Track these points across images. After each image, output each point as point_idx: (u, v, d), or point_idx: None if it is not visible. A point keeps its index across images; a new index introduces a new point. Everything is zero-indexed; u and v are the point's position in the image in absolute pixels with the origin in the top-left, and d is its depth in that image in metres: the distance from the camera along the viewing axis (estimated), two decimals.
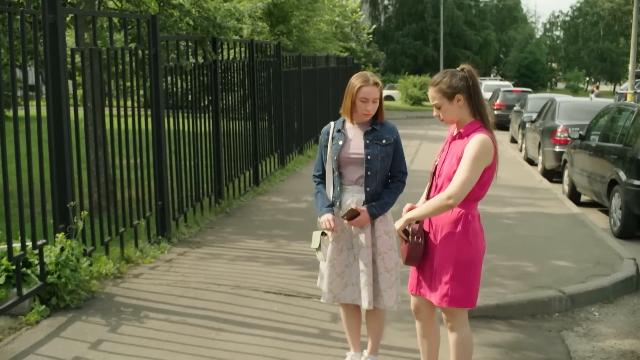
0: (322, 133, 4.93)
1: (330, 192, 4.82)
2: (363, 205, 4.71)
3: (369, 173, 4.69)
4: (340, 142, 4.77)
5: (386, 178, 4.77)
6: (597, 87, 33.64)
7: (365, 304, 4.72)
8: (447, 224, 4.26)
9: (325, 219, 4.74)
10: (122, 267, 7.16)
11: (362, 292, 4.73)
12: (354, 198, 4.74)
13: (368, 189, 4.70)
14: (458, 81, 4.23)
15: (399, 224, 4.39)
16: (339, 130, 4.82)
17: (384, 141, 4.70)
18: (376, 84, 4.71)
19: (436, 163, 4.44)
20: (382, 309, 4.84)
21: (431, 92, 4.31)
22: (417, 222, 4.40)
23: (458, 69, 4.32)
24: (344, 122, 4.86)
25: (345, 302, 4.87)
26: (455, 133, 4.36)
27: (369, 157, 4.68)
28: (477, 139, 4.16)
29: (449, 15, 63.64)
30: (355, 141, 4.75)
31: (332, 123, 4.90)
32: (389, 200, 4.73)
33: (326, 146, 4.84)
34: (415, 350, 5.43)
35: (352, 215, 4.64)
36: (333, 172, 4.79)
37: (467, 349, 4.42)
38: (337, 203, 4.78)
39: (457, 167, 4.19)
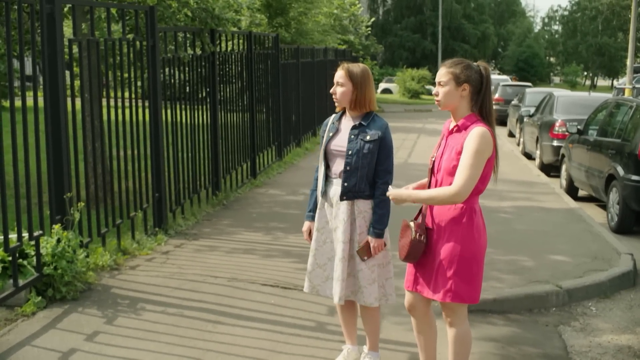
0: (322, 124, 4.97)
1: (320, 182, 4.85)
2: (341, 199, 4.70)
3: (347, 168, 4.68)
4: (331, 134, 4.81)
5: (371, 175, 4.70)
6: (515, 79, 34.06)
7: (335, 298, 4.73)
8: (451, 220, 4.22)
9: (303, 229, 5.00)
10: (119, 259, 7.14)
11: (335, 286, 4.74)
12: (337, 191, 4.75)
13: (345, 184, 4.69)
14: (473, 73, 4.22)
15: (396, 191, 4.34)
16: (334, 123, 4.85)
17: (368, 137, 4.66)
18: (343, 67, 4.74)
19: (433, 159, 4.39)
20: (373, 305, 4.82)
21: (443, 70, 4.28)
22: (420, 219, 4.37)
23: (475, 63, 4.30)
24: (341, 115, 4.87)
25: (325, 295, 4.90)
26: (451, 127, 4.32)
27: (349, 152, 4.68)
28: (477, 133, 4.13)
29: (447, 9, 63.54)
30: (342, 134, 4.77)
31: (333, 115, 4.93)
32: (382, 212, 4.67)
33: (324, 137, 4.87)
34: (413, 344, 5.42)
35: (367, 249, 4.68)
36: (323, 162, 4.82)
37: (466, 345, 4.40)
38: (323, 193, 4.82)
39: (456, 162, 4.15)
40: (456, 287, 4.20)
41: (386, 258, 4.78)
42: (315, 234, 4.88)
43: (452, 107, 4.26)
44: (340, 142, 4.74)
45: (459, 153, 4.15)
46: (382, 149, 4.70)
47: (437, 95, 4.32)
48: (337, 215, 4.75)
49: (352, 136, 4.70)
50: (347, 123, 4.79)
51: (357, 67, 4.77)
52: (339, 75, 4.75)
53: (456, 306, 4.31)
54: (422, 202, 4.30)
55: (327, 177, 4.82)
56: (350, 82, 4.70)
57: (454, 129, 4.28)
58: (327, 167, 4.83)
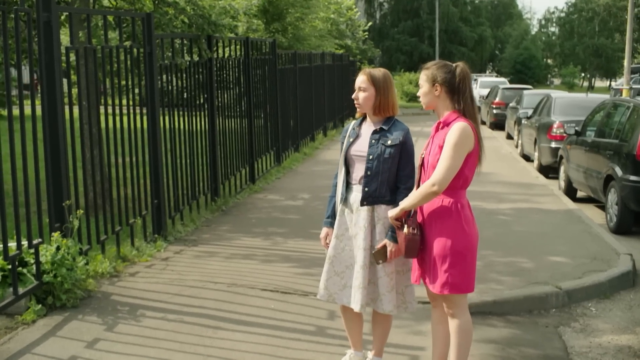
0: (342, 130, 4.95)
1: (339, 188, 4.82)
2: (362, 205, 4.68)
3: (368, 173, 4.65)
4: (351, 140, 4.78)
5: (392, 180, 4.67)
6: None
7: (357, 307, 4.67)
8: (440, 215, 4.38)
9: (321, 236, 4.92)
10: (119, 266, 7.14)
11: (355, 294, 4.69)
12: (357, 197, 4.72)
13: (366, 189, 4.66)
14: (444, 74, 4.42)
15: (392, 212, 4.49)
16: (354, 128, 4.83)
17: (389, 142, 4.63)
18: (365, 72, 4.73)
19: (423, 156, 4.56)
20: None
21: (420, 72, 4.53)
22: (411, 215, 4.48)
23: (453, 64, 4.48)
24: (362, 120, 4.85)
25: (342, 303, 4.82)
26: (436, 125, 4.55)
27: (370, 156, 4.65)
28: (456, 127, 4.33)
29: (444, 12, 63.49)
30: (363, 139, 4.74)
31: (353, 121, 4.92)
32: None
33: (343, 143, 4.85)
34: (413, 347, 5.45)
35: (383, 254, 4.60)
36: (343, 168, 4.80)
37: (468, 335, 4.52)
38: (343, 200, 4.78)
39: (439, 156, 4.34)
40: (453, 279, 4.36)
41: (406, 265, 4.72)
42: (333, 241, 4.80)
43: (432, 106, 4.50)
44: (361, 147, 4.71)
45: (442, 147, 4.34)
46: (404, 153, 4.66)
47: (418, 96, 4.56)
48: (357, 222, 4.70)
49: (373, 141, 4.67)
50: (368, 128, 4.76)
51: (378, 72, 4.75)
52: (361, 80, 4.71)
53: (457, 297, 4.46)
54: (412, 207, 4.44)
55: (348, 184, 4.78)
56: (373, 86, 4.68)
57: (438, 127, 4.50)
58: (347, 173, 4.79)
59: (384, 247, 4.61)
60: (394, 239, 4.59)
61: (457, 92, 4.41)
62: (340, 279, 4.79)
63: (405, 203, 4.43)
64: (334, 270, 4.81)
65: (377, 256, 4.62)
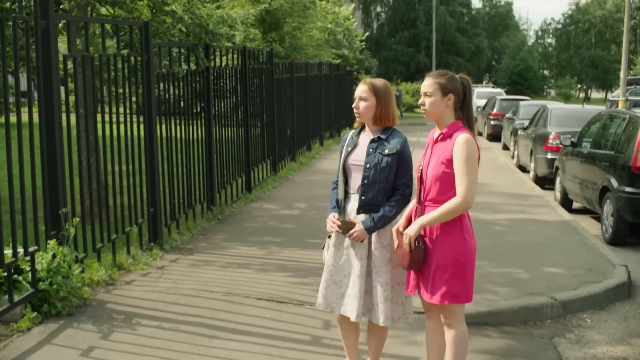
0: (341, 140, 4.97)
1: (340, 195, 4.82)
2: (358, 213, 4.70)
3: (365, 181, 4.67)
4: (349, 149, 4.80)
5: (390, 190, 4.68)
6: (398, 84, 34.67)
7: (353, 316, 4.68)
8: (442, 226, 4.38)
9: (328, 218, 4.79)
10: (114, 274, 7.14)
11: (351, 303, 4.69)
12: (355, 206, 4.73)
13: (363, 197, 4.67)
14: (457, 83, 4.45)
15: (412, 230, 4.40)
16: (352, 138, 4.85)
17: (386, 150, 4.65)
18: (366, 82, 4.76)
19: (421, 168, 4.54)
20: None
21: (429, 81, 4.47)
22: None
23: (457, 75, 4.50)
24: (361, 130, 4.87)
25: (339, 312, 4.82)
26: (435, 135, 4.51)
27: (367, 165, 4.66)
28: (463, 140, 4.32)
29: (441, 23, 63.73)
30: (361, 149, 4.76)
31: (352, 131, 4.94)
32: (387, 214, 4.62)
33: (342, 152, 4.87)
34: (407, 357, 5.45)
35: (347, 227, 4.63)
36: (342, 178, 4.81)
37: (464, 345, 4.54)
38: (341, 208, 4.79)
39: (445, 169, 4.34)
40: (453, 289, 4.37)
41: (392, 274, 4.73)
42: (332, 250, 4.81)
43: (437, 116, 4.46)
44: (358, 156, 4.73)
45: (449, 160, 4.34)
46: (401, 163, 4.67)
47: (423, 105, 4.50)
48: None
49: (371, 150, 4.69)
50: (366, 137, 4.78)
51: (379, 82, 4.78)
52: (362, 90, 4.73)
53: (455, 307, 4.48)
54: (434, 223, 4.38)
55: (346, 193, 4.80)
56: (374, 96, 4.70)
57: (439, 138, 4.47)
58: (346, 183, 4.81)
59: (353, 225, 4.63)
60: (365, 226, 4.61)
61: (463, 102, 4.46)
62: (338, 288, 4.79)
63: (427, 218, 4.38)
64: (332, 279, 4.81)
65: (342, 225, 4.65)
